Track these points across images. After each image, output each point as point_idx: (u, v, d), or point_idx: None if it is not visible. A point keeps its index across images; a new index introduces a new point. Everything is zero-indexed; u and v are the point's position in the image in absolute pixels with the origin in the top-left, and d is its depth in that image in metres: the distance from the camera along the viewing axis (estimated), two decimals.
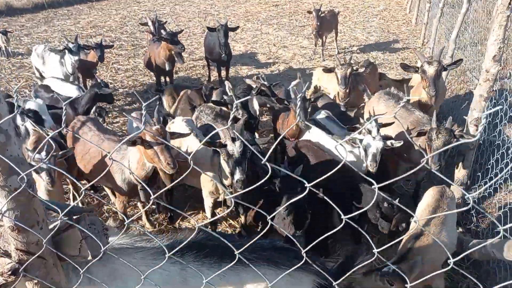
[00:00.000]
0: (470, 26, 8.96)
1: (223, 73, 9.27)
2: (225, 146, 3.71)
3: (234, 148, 3.67)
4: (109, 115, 7.83)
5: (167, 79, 9.04)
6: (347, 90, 5.75)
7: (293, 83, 6.88)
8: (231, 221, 4.89)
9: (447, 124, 4.23)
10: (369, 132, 4.20)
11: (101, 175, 1.75)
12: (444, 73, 5.69)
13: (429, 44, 10.22)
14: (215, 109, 5.27)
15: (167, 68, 8.23)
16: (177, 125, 4.90)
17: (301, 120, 4.68)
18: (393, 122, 4.50)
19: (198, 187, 4.54)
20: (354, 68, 5.72)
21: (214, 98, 6.16)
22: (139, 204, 4.74)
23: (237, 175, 3.60)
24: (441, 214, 3.39)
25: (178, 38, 7.86)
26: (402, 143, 4.22)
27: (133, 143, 3.60)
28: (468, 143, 4.42)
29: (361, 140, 4.21)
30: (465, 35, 9.13)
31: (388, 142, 4.18)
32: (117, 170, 4.07)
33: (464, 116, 6.76)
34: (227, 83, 5.78)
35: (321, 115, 5.29)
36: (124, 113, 7.78)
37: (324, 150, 4.61)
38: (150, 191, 4.10)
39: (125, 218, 4.20)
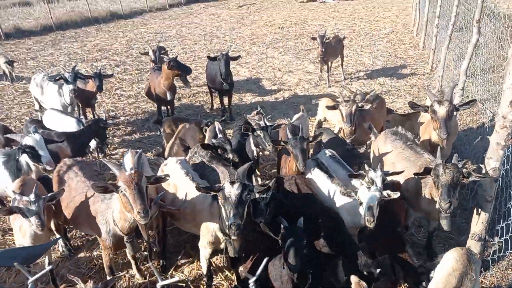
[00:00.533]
0: (480, 51, 8.68)
1: (226, 100, 9.03)
2: (222, 189, 3.46)
3: (232, 191, 3.41)
4: (109, 146, 7.60)
5: (169, 107, 8.83)
6: (353, 128, 5.45)
7: (296, 116, 6.62)
8: (227, 273, 4.54)
9: (453, 161, 3.93)
10: (372, 181, 3.88)
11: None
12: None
13: (438, 72, 9.92)
14: (209, 151, 5.00)
15: (168, 98, 8.04)
16: (170, 167, 4.63)
17: (300, 165, 4.39)
18: (402, 171, 4.19)
19: (195, 233, 4.24)
20: (360, 104, 5.44)
21: (207, 135, 5.92)
22: (128, 254, 4.42)
23: (232, 219, 3.33)
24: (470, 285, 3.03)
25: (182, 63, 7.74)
26: (399, 194, 3.90)
27: (105, 189, 3.35)
28: (485, 195, 4.07)
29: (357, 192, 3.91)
30: (475, 62, 8.85)
31: (385, 193, 3.85)
32: (102, 221, 3.79)
33: (477, 154, 6.51)
34: (216, 124, 5.53)
35: (325, 155, 4.98)
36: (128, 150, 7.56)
37: (317, 193, 4.42)
38: (137, 245, 3.92)
39: (111, 271, 4.00)
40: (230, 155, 4.90)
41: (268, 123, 5.21)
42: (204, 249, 4.07)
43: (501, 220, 4.46)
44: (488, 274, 4.49)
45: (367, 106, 5.49)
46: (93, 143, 6.53)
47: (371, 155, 5.35)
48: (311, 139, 4.74)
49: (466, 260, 3.21)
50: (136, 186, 3.33)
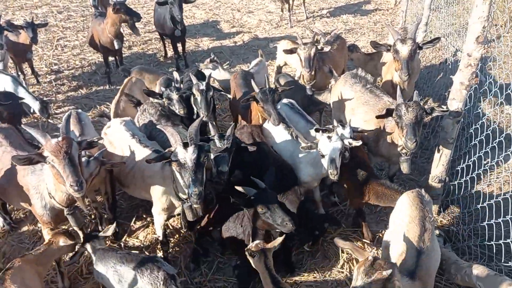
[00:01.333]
0: None
1: (180, 48, 8.33)
2: (175, 155, 3.09)
3: (187, 156, 3.05)
4: (51, 104, 6.92)
5: (117, 57, 8.08)
6: (312, 73, 5.07)
7: (254, 62, 6.16)
8: (184, 234, 4.31)
9: (414, 97, 3.74)
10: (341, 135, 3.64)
11: None
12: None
13: (402, 6, 9.50)
14: (158, 108, 4.53)
15: (116, 47, 7.28)
16: (114, 129, 4.18)
17: (275, 121, 4.06)
18: (372, 130, 3.96)
19: (148, 199, 3.92)
20: (319, 47, 5.01)
21: (157, 87, 5.39)
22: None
23: (192, 187, 3.01)
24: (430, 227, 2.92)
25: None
26: (361, 142, 3.73)
27: (29, 161, 2.93)
28: (446, 138, 3.91)
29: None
30: None
31: (347, 142, 3.63)
32: (36, 195, 3.37)
33: (439, 91, 6.35)
34: (175, 74, 5.00)
35: (285, 105, 4.64)
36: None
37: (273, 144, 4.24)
38: (80, 217, 3.56)
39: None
40: (176, 106, 4.47)
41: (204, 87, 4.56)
42: (158, 216, 3.76)
43: (461, 161, 4.38)
44: (447, 214, 4.49)
45: (327, 49, 5.08)
46: (35, 104, 5.85)
47: (331, 101, 5.06)
48: (280, 90, 4.36)
49: (420, 203, 3.10)
50: (65, 155, 2.89)
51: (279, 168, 3.86)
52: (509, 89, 3.78)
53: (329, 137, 3.60)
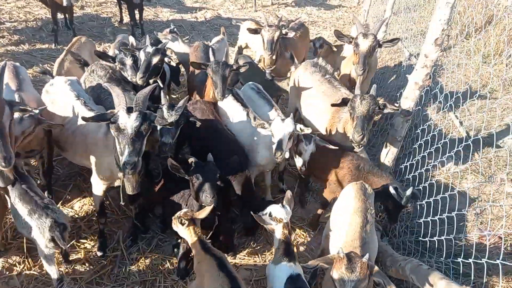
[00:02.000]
0: None
1: (137, 15, 7.87)
2: (116, 119, 2.85)
3: (128, 122, 2.83)
4: None
5: (67, 15, 7.48)
6: (274, 57, 4.99)
7: (215, 39, 5.96)
8: (123, 208, 4.09)
9: (371, 91, 3.80)
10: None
11: None
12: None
13: (365, 6, 9.69)
14: (109, 70, 4.22)
15: (64, 3, 6.70)
16: (57, 88, 3.84)
17: (219, 94, 3.92)
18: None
19: (87, 166, 3.64)
20: (283, 31, 4.93)
21: (111, 49, 5.04)
22: None
23: (127, 156, 2.79)
24: (371, 219, 2.98)
25: None
26: (311, 130, 3.76)
27: None
28: (395, 135, 4.02)
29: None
30: None
31: (298, 127, 3.64)
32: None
33: (391, 92, 6.57)
34: (131, 38, 4.66)
35: (249, 88, 4.54)
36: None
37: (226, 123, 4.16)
38: (7, 175, 3.21)
39: None
40: (129, 72, 4.19)
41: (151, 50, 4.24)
42: (97, 186, 3.52)
43: (406, 160, 4.55)
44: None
45: (291, 34, 5.01)
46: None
47: (289, 87, 5.03)
48: (234, 67, 4.21)
49: (363, 195, 3.16)
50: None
51: (231, 148, 3.77)
52: (454, 98, 3.95)
53: (282, 120, 3.57)
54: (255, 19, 7.80)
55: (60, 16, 7.37)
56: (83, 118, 2.92)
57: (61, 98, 3.76)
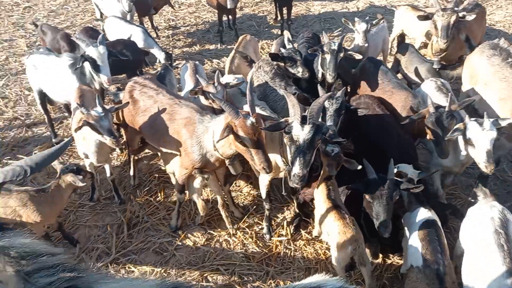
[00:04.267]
0: None
1: (285, 12, 8.10)
2: (290, 129, 2.92)
3: (301, 134, 2.86)
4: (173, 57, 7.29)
5: (230, 17, 8.18)
6: (448, 44, 4.50)
7: (377, 23, 5.60)
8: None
9: None
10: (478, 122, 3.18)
11: None
12: None
13: None
14: (274, 66, 4.43)
15: (228, 6, 7.34)
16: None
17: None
18: None
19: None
20: (460, 14, 4.41)
21: (273, 47, 5.29)
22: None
23: (297, 169, 2.85)
24: None
25: None
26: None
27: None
28: None
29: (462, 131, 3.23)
30: None
31: (504, 123, 3.18)
32: (195, 143, 3.44)
33: None
34: (286, 33, 4.81)
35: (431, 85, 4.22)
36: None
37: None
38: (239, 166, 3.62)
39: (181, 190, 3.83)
40: (300, 69, 4.31)
41: (336, 47, 4.22)
42: (263, 176, 3.75)
43: None
44: None
45: (471, 17, 4.42)
46: (161, 55, 6.23)
47: (463, 74, 4.50)
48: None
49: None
50: (260, 143, 2.94)
51: (401, 145, 3.55)
52: None
53: (480, 123, 3.15)
54: (412, 4, 7.22)
55: (224, 18, 8.10)
56: (264, 128, 3.04)
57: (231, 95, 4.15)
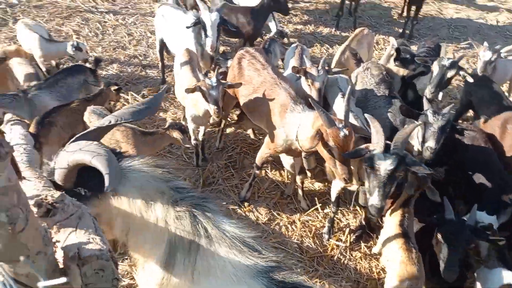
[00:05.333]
0: None
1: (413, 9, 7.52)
2: (372, 157, 2.81)
3: (382, 164, 2.75)
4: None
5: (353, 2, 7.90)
6: None
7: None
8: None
9: None
10: None
11: None
12: None
13: None
14: (382, 71, 4.23)
15: None
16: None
17: None
18: None
19: None
20: None
21: (389, 50, 5.03)
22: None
23: (374, 200, 2.78)
24: None
25: None
26: None
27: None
28: None
29: None
30: None
31: None
32: (281, 129, 3.55)
33: None
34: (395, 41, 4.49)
35: None
36: None
37: None
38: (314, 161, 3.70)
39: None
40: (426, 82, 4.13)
41: (447, 63, 3.91)
42: (337, 184, 3.71)
43: None
44: None
45: None
46: (275, 29, 6.33)
47: None
48: None
49: None
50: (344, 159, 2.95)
51: (500, 186, 3.27)
52: None
53: None
54: None
55: (346, 1, 7.83)
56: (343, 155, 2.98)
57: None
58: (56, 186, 1.82)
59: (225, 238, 1.73)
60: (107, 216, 1.81)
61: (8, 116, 3.77)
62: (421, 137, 3.42)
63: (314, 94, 3.84)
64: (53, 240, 1.38)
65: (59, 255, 1.35)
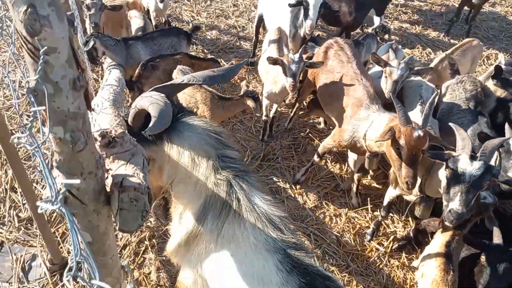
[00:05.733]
0: None
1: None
2: (455, 162, 2.70)
3: (468, 169, 2.64)
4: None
5: None
6: None
7: None
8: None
9: None
10: None
11: None
12: None
13: None
14: (477, 88, 3.92)
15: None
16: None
17: None
18: None
19: None
20: None
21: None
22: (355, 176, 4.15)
23: (456, 205, 2.65)
24: None
25: None
26: None
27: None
28: None
29: None
30: None
31: None
32: (350, 125, 3.56)
33: None
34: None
35: None
36: None
37: None
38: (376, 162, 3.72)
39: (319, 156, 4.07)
40: None
41: None
42: (390, 191, 3.62)
43: None
44: None
45: None
46: (377, 23, 6.09)
47: None
48: None
49: None
50: (415, 159, 2.87)
51: None
52: None
53: None
54: None
55: (466, 8, 7.22)
56: (426, 152, 2.90)
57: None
58: (128, 126, 2.16)
59: (253, 211, 1.89)
60: (160, 162, 2.08)
61: (109, 60, 4.34)
62: (498, 166, 3.20)
63: (388, 85, 3.76)
64: (107, 167, 1.68)
65: (109, 181, 1.62)
